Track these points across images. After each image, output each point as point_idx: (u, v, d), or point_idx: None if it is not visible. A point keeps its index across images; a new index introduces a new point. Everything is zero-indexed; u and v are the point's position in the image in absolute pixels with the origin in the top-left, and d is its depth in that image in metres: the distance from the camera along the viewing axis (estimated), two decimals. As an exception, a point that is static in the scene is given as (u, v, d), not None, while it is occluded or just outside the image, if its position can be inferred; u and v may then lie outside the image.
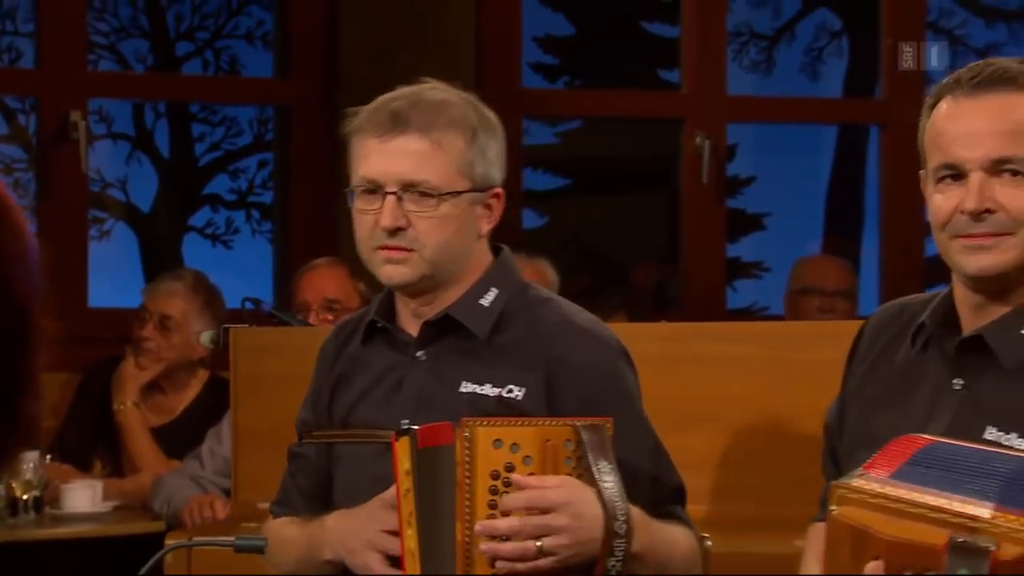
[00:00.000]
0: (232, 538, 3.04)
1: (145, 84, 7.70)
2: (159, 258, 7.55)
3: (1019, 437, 2.72)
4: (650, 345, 4.57)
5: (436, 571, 2.94)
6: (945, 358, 2.87)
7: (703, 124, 7.25)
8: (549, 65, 8.93)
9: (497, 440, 2.90)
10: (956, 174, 2.83)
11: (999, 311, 2.83)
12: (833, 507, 2.21)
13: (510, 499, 2.90)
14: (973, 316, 2.86)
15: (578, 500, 2.90)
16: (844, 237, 8.68)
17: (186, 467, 5.34)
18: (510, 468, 2.91)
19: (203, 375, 5.72)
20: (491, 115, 3.22)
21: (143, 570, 2.83)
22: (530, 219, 8.14)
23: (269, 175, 7.83)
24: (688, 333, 4.85)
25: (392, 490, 3.03)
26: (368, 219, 3.12)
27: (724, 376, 4.39)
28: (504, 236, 6.81)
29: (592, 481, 2.90)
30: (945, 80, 2.87)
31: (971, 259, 2.81)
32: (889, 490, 2.18)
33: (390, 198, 3.08)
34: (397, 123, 3.09)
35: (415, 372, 3.18)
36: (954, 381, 2.84)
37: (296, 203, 6.90)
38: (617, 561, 2.88)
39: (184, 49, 7.69)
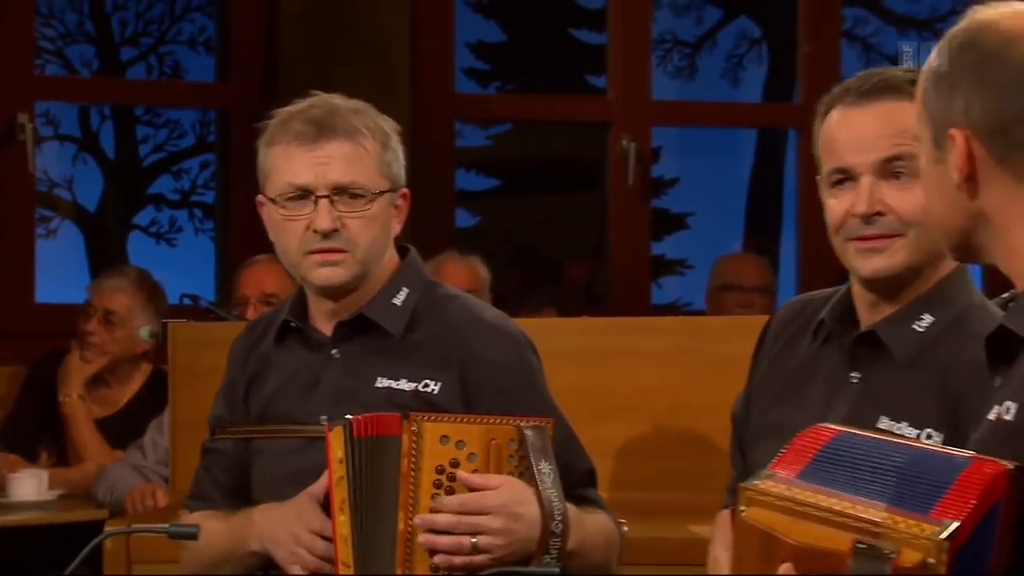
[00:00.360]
0: (167, 525, 3.07)
1: (91, 87, 7.69)
2: (105, 255, 7.52)
3: (910, 426, 2.78)
4: (575, 339, 4.62)
5: (372, 557, 2.97)
6: (843, 352, 2.91)
7: (629, 127, 7.28)
8: (481, 70, 8.91)
9: (444, 436, 2.94)
10: (848, 178, 2.87)
11: (892, 307, 2.88)
12: (742, 508, 2.19)
13: (447, 501, 2.93)
14: (869, 313, 2.91)
15: (516, 501, 2.94)
16: (763, 236, 8.68)
17: (129, 457, 5.33)
18: (455, 464, 2.94)
19: (146, 368, 5.71)
20: (391, 121, 3.25)
21: (80, 556, 2.84)
22: (463, 218, 8.14)
23: (211, 176, 7.80)
24: (611, 327, 4.90)
25: (320, 483, 3.06)
26: (298, 225, 3.13)
27: (644, 368, 4.42)
28: (437, 235, 6.89)
29: (532, 481, 2.95)
30: (835, 90, 2.92)
31: (865, 262, 2.86)
32: (796, 492, 2.17)
33: (323, 202, 3.11)
34: (323, 130, 3.12)
35: (331, 369, 3.20)
36: (851, 374, 2.89)
37: (237, 202, 6.88)
38: (552, 558, 2.93)
39: (128, 54, 7.65)
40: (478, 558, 2.93)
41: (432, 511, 2.94)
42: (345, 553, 2.99)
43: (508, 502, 2.93)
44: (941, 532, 2.05)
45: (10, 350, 6.11)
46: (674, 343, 4.47)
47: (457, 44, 7.46)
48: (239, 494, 3.28)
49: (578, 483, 3.15)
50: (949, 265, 2.89)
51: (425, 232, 6.88)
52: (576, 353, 4.48)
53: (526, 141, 8.85)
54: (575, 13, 8.76)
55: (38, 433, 5.71)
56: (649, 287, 7.61)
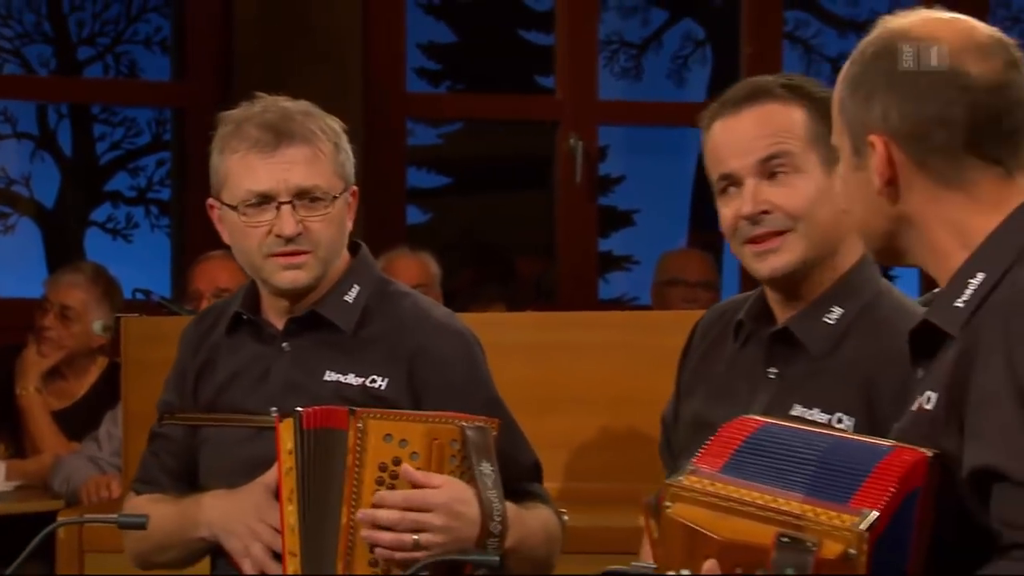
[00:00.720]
0: (116, 515, 3.05)
1: (48, 87, 7.69)
2: (62, 251, 7.49)
3: (821, 411, 2.80)
4: (523, 333, 4.63)
5: (317, 548, 2.96)
6: (761, 350, 2.93)
7: (576, 127, 7.29)
8: (432, 70, 8.92)
9: (388, 434, 2.93)
10: (732, 183, 2.90)
11: (802, 303, 2.90)
12: (667, 504, 2.19)
13: (390, 496, 2.92)
14: (782, 310, 2.93)
15: (457, 500, 2.93)
16: (707, 232, 8.68)
17: (85, 449, 5.33)
18: (397, 462, 2.93)
19: (102, 362, 5.71)
20: (338, 120, 3.24)
21: (30, 546, 2.82)
22: (414, 216, 8.14)
23: (167, 173, 7.79)
24: (558, 322, 4.91)
25: (273, 474, 3.04)
26: (259, 231, 3.11)
27: (589, 361, 4.42)
28: (389, 232, 6.88)
29: (472, 481, 2.94)
30: (713, 104, 2.96)
31: (762, 264, 2.87)
32: (719, 487, 2.17)
33: (286, 207, 3.09)
34: (280, 136, 3.10)
35: (281, 362, 3.19)
36: (769, 370, 2.91)
37: (192, 199, 6.83)
38: None
39: (85, 54, 7.64)
40: (417, 555, 2.91)
41: (375, 506, 2.92)
42: (292, 542, 2.99)
43: (450, 501, 2.92)
44: (861, 523, 2.06)
45: (-32, 343, 6.10)
46: (619, 337, 4.47)
47: (408, 45, 7.47)
48: (186, 479, 3.27)
49: (523, 477, 3.14)
50: (852, 258, 2.92)
51: (377, 229, 6.88)
52: (524, 347, 4.48)
53: (476, 140, 8.86)
54: (524, 15, 8.78)
55: (-5, 423, 5.70)
56: (596, 283, 7.63)
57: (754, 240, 2.87)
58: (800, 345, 2.87)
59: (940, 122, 2.28)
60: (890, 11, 2.44)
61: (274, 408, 3.09)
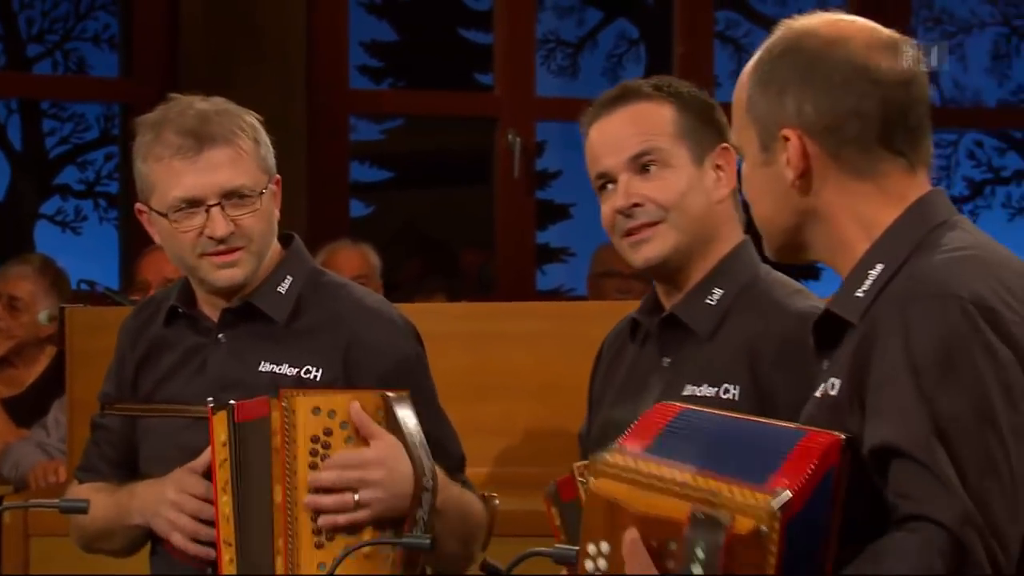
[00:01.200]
0: (58, 500, 3.05)
1: (-2, 82, 7.65)
2: (12, 244, 7.43)
3: (709, 386, 2.86)
4: (460, 323, 4.65)
5: (252, 532, 2.96)
6: (656, 343, 2.99)
7: (514, 123, 7.30)
8: (375, 68, 8.90)
9: (316, 408, 2.93)
10: (609, 181, 2.96)
11: (685, 289, 2.95)
12: (591, 479, 2.20)
13: (329, 460, 2.93)
14: (668, 299, 2.98)
15: (391, 457, 2.94)
16: (641, 225, 8.74)
17: (33, 435, 5.32)
18: (328, 432, 2.93)
19: (51, 351, 5.68)
20: (252, 113, 3.22)
21: (-26, 528, 2.84)
22: (357, 209, 8.13)
23: (115, 167, 7.77)
24: (494, 312, 4.95)
25: (200, 459, 3.05)
26: (191, 234, 3.07)
27: (524, 350, 4.43)
28: (332, 225, 6.87)
29: (402, 441, 2.95)
30: (588, 109, 3.02)
31: (637, 254, 2.94)
32: (641, 465, 2.18)
33: (215, 210, 3.06)
34: (202, 140, 3.06)
35: (217, 353, 3.18)
36: (663, 359, 2.96)
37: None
38: (425, 513, 2.93)
39: (35, 50, 7.60)
40: (360, 514, 2.92)
41: (320, 470, 2.93)
42: (227, 532, 2.98)
43: (385, 456, 2.93)
44: (773, 501, 2.06)
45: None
46: (554, 327, 4.49)
47: (351, 43, 7.47)
48: (126, 467, 3.26)
49: (451, 468, 3.14)
50: (730, 243, 2.98)
51: (321, 222, 6.88)
52: (461, 336, 4.50)
53: (417, 135, 8.86)
54: (463, 14, 8.78)
55: (-56, 413, 5.68)
56: (534, 274, 7.65)
57: (629, 232, 2.93)
58: (687, 328, 2.93)
59: (855, 114, 2.29)
60: (816, 10, 2.46)
61: (210, 399, 3.09)
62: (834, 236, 2.33)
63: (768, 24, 2.44)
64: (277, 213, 3.19)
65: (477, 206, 7.92)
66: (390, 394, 2.98)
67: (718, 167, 2.97)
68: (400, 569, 2.92)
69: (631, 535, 2.13)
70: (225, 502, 2.98)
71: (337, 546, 2.91)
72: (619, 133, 2.95)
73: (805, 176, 2.30)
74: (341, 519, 2.93)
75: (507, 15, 7.35)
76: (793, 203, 2.33)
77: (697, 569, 2.06)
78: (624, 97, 2.98)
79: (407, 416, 2.98)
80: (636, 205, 2.91)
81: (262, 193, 3.11)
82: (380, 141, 8.91)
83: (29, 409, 5.51)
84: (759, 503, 2.07)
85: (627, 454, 2.21)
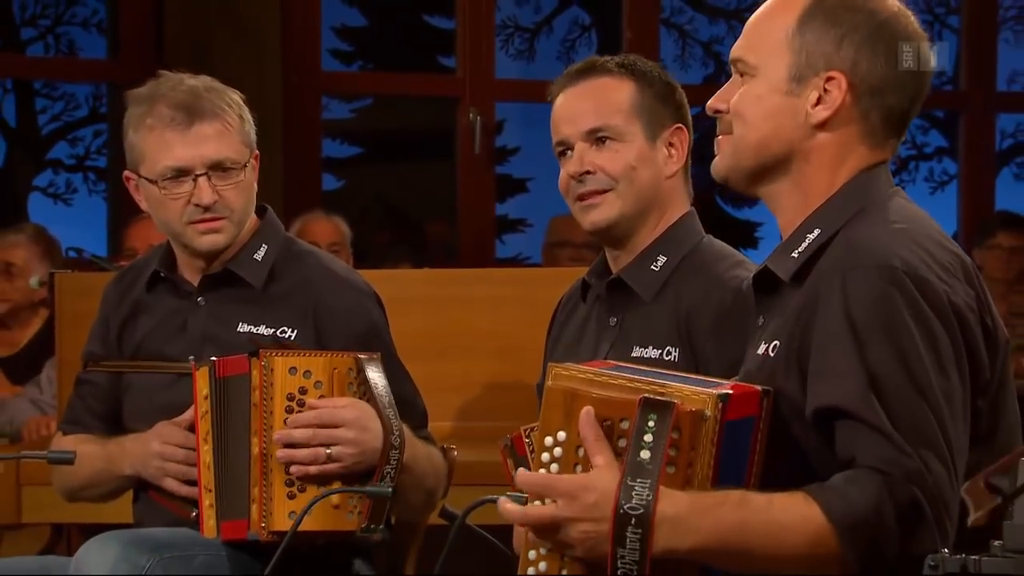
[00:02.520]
0: (45, 452, 3.05)
1: (-7, 64, 7.61)
2: (8, 214, 7.36)
3: (654, 348, 2.88)
4: (424, 288, 4.66)
5: (230, 480, 2.97)
6: (604, 304, 3.00)
7: (475, 102, 7.28)
8: (345, 51, 8.87)
9: (293, 368, 2.94)
10: (567, 148, 2.98)
11: (631, 255, 2.97)
12: (549, 382, 2.20)
13: (303, 416, 2.94)
14: (615, 264, 3.00)
15: (362, 416, 2.95)
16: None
17: (27, 392, 5.31)
18: (303, 391, 2.94)
19: (44, 314, 5.64)
20: (236, 91, 3.21)
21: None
22: (329, 182, 8.10)
23: (103, 143, 7.73)
24: (456, 278, 4.99)
25: (185, 414, 3.05)
26: (179, 202, 3.09)
27: (483, 313, 4.44)
28: (306, 197, 6.85)
29: (372, 401, 2.96)
30: (560, 77, 3.03)
31: (585, 217, 2.97)
32: (598, 369, 2.21)
33: (202, 179, 3.08)
34: (192, 113, 3.08)
35: (197, 315, 3.18)
36: (610, 319, 2.98)
37: (126, 167, 6.81)
38: (392, 468, 2.93)
39: (28, 34, 7.55)
40: (330, 466, 2.93)
41: (293, 425, 2.94)
42: (207, 478, 3.00)
43: (359, 416, 2.94)
44: (717, 392, 2.10)
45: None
46: (511, 292, 4.49)
47: (323, 28, 7.43)
48: (110, 421, 3.27)
49: (415, 424, 3.14)
50: (676, 213, 2.99)
51: (295, 195, 6.86)
52: (424, 300, 4.50)
53: (385, 114, 8.83)
54: (428, 1, 8.76)
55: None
56: (494, 243, 7.64)
57: (581, 197, 2.95)
58: (632, 292, 2.93)
59: (899, 88, 2.28)
60: (756, 1, 2.42)
61: (191, 357, 3.10)
62: (800, 181, 2.31)
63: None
64: (255, 186, 3.18)
65: (441, 180, 7.90)
66: (362, 356, 2.98)
67: (671, 144, 2.97)
68: (366, 520, 2.93)
69: (587, 411, 2.13)
70: (206, 451, 2.99)
71: (308, 496, 2.91)
72: (579, 106, 2.96)
73: (829, 119, 2.27)
74: (312, 470, 2.93)
75: (468, 2, 7.32)
76: (793, 137, 2.29)
77: (648, 438, 2.06)
78: (589, 71, 2.98)
79: (378, 377, 2.98)
80: (588, 173, 2.94)
81: (245, 166, 3.11)
82: (350, 119, 8.88)
83: (24, 368, 5.50)
84: (705, 393, 2.10)
85: (583, 365, 2.24)
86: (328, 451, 2.92)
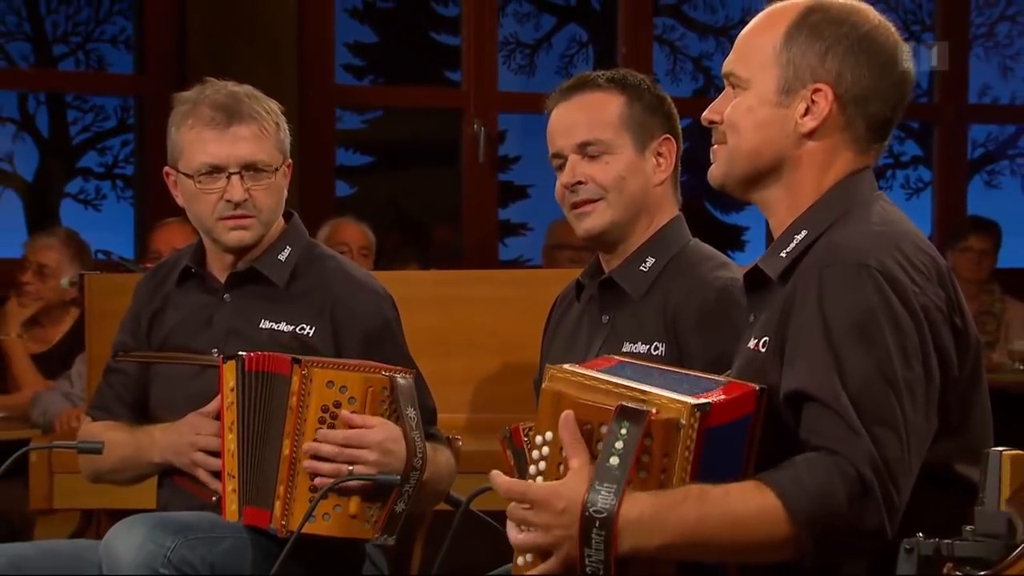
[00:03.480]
0: (75, 442, 3.05)
1: (28, 78, 7.59)
2: (41, 219, 7.40)
3: (642, 344, 2.87)
4: (431, 288, 4.66)
5: (255, 471, 2.94)
6: (596, 303, 2.99)
7: (480, 114, 7.28)
8: (357, 66, 8.87)
9: (330, 381, 2.91)
10: (561, 159, 2.97)
11: (621, 257, 2.96)
12: (545, 384, 2.21)
13: (332, 433, 2.91)
14: (607, 265, 2.99)
15: (389, 439, 2.92)
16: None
17: (59, 386, 5.30)
18: (338, 405, 2.91)
19: (74, 313, 5.66)
20: (276, 102, 3.22)
21: (3, 466, 2.82)
22: (342, 189, 8.10)
23: (130, 152, 7.72)
24: (461, 279, 4.98)
25: (211, 404, 3.04)
26: (212, 197, 3.10)
27: (486, 312, 4.44)
28: (321, 203, 6.85)
29: (400, 423, 2.93)
30: (554, 91, 3.01)
31: (579, 224, 2.97)
32: (588, 372, 2.21)
33: (235, 177, 3.08)
34: (232, 115, 3.08)
35: (223, 310, 3.18)
36: (603, 316, 2.97)
37: (152, 174, 6.75)
38: (411, 487, 2.92)
39: (60, 50, 7.54)
40: (352, 483, 2.90)
41: (322, 440, 2.91)
42: (231, 465, 2.98)
43: (384, 440, 2.92)
44: (694, 401, 2.09)
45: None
46: (513, 292, 4.50)
47: (337, 44, 7.43)
48: (138, 409, 3.25)
49: (426, 420, 3.13)
50: (665, 217, 2.98)
51: (310, 201, 6.86)
52: (432, 300, 4.51)
53: (395, 125, 8.84)
54: (435, 19, 8.77)
55: (-20, 366, 5.68)
56: (497, 246, 7.64)
57: (574, 205, 2.95)
58: (623, 291, 2.92)
59: (881, 96, 2.28)
60: (742, 19, 2.42)
61: (215, 349, 3.10)
62: (791, 186, 2.31)
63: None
64: (286, 191, 3.19)
65: (447, 187, 7.90)
66: (397, 376, 2.95)
67: (659, 154, 2.96)
68: (381, 531, 2.92)
69: (566, 415, 2.14)
70: (231, 439, 2.97)
71: (328, 504, 2.89)
72: (572, 119, 2.95)
73: (816, 129, 2.27)
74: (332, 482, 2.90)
75: (473, 20, 7.32)
76: (783, 146, 2.29)
77: (619, 445, 2.06)
78: (581, 87, 2.97)
79: (408, 397, 2.95)
80: (580, 183, 2.93)
81: (276, 170, 3.12)
82: (362, 130, 8.88)
83: (56, 363, 5.50)
84: (681, 403, 2.09)
85: (579, 367, 2.24)
86: (351, 469, 2.90)
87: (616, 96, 2.95)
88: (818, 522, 2.07)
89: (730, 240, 8.91)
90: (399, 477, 2.85)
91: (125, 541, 2.82)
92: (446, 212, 8.02)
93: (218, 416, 3.02)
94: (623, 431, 2.06)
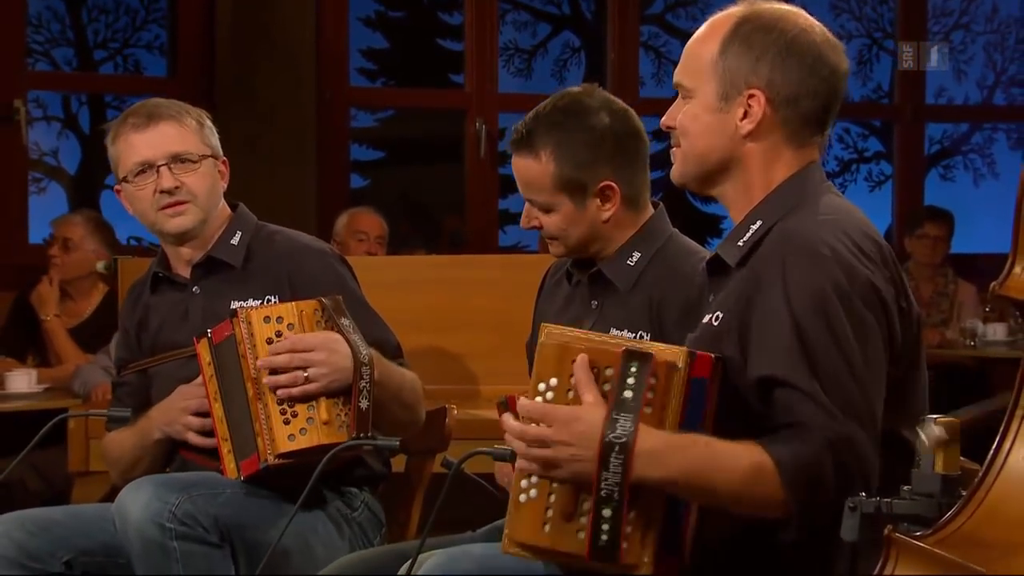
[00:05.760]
0: (104, 411, 3.05)
1: (71, 80, 7.58)
2: (83, 208, 7.41)
3: (628, 332, 2.83)
4: (435, 271, 4.66)
5: (239, 425, 2.95)
6: (586, 288, 2.95)
7: (481, 114, 7.28)
8: (370, 70, 8.87)
9: (266, 317, 2.93)
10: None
11: (607, 253, 2.92)
12: (543, 338, 2.18)
13: (278, 345, 2.91)
14: (597, 257, 2.94)
15: (330, 340, 2.91)
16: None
17: (98, 359, 5.27)
18: (279, 335, 2.92)
19: (102, 288, 5.58)
20: (203, 111, 3.20)
21: (41, 432, 2.83)
22: (356, 181, 8.10)
23: (164, 148, 7.72)
24: (462, 263, 5.02)
25: (198, 379, 3.04)
26: (146, 192, 3.10)
27: (484, 293, 4.45)
28: (337, 195, 6.85)
29: (338, 331, 2.93)
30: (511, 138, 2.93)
31: (550, 250, 2.94)
32: (583, 331, 2.21)
33: (163, 168, 3.07)
34: (152, 117, 3.09)
35: (195, 302, 3.17)
36: (592, 301, 2.93)
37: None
38: (367, 384, 2.89)
39: (100, 55, 7.53)
40: (310, 386, 2.89)
41: (273, 354, 2.91)
42: (223, 430, 2.99)
43: (326, 340, 2.91)
44: (687, 349, 2.13)
45: (9, 279, 6.06)
46: (507, 275, 4.50)
47: (351, 50, 7.41)
48: (145, 411, 3.21)
49: (390, 355, 3.12)
50: (647, 215, 2.93)
51: (327, 192, 6.86)
52: (435, 281, 4.51)
53: (404, 123, 8.83)
54: (441, 27, 8.76)
55: (26, 341, 5.64)
56: (497, 233, 7.63)
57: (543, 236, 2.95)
58: (611, 283, 2.90)
59: (812, 94, 2.26)
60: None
61: (195, 337, 3.09)
62: (742, 182, 2.30)
63: (683, 36, 2.38)
64: (224, 184, 3.19)
65: (452, 179, 7.89)
66: (324, 299, 2.97)
67: (603, 195, 2.85)
68: (354, 431, 2.88)
69: (582, 356, 2.13)
70: (217, 407, 2.98)
71: (301, 418, 2.89)
72: (518, 178, 2.89)
73: (755, 130, 2.26)
74: (295, 391, 2.89)
75: (475, 28, 7.32)
76: (728, 147, 2.28)
77: (631, 380, 2.07)
78: (518, 146, 2.87)
79: (340, 312, 2.96)
80: (536, 228, 2.90)
81: (202, 159, 3.11)
82: (375, 128, 8.88)
83: (88, 336, 5.46)
84: (677, 348, 2.13)
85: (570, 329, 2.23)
86: (305, 373, 2.89)
87: (544, 164, 2.82)
88: (804, 488, 2.07)
89: (709, 228, 8.91)
90: (398, 443, 2.83)
91: (134, 499, 2.83)
92: (451, 203, 8.02)
93: (203, 384, 3.02)
94: (632, 369, 2.08)
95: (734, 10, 2.30)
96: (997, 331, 6.43)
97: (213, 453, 3.02)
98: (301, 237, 3.24)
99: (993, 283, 1.90)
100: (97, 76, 7.61)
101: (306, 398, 2.89)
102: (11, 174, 6.58)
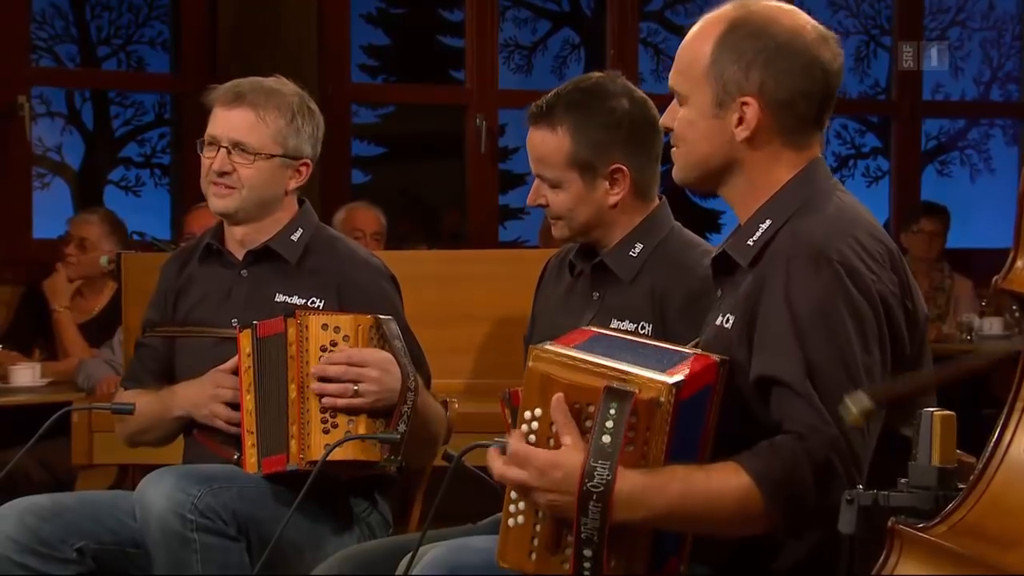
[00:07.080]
0: (108, 404, 3.06)
1: (75, 76, 7.58)
2: (86, 204, 7.38)
3: (630, 323, 2.83)
4: (436, 266, 4.67)
5: (269, 423, 2.97)
6: (588, 280, 2.95)
7: (481, 109, 7.27)
8: (371, 66, 8.86)
9: (324, 324, 2.95)
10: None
11: (609, 244, 2.91)
12: (529, 363, 2.18)
13: (335, 355, 2.93)
14: (598, 247, 2.93)
15: (385, 361, 2.94)
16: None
17: (102, 353, 5.30)
18: (334, 344, 2.94)
19: (113, 286, 5.62)
20: (313, 106, 3.21)
21: (45, 425, 2.82)
22: (357, 177, 8.09)
23: (167, 144, 7.72)
24: (462, 257, 5.07)
25: (229, 362, 3.05)
26: (206, 164, 3.15)
27: (484, 286, 4.45)
28: (338, 190, 6.85)
29: (391, 352, 2.96)
30: (530, 108, 2.91)
31: (552, 232, 2.93)
32: (572, 352, 2.18)
33: (222, 150, 3.11)
34: (238, 99, 3.12)
35: (241, 285, 3.19)
36: (593, 293, 2.92)
37: (185, 164, 6.83)
38: (408, 409, 2.93)
39: (104, 51, 7.51)
40: (356, 401, 2.92)
41: (328, 363, 2.93)
42: (250, 423, 3.00)
43: (382, 360, 2.93)
44: (671, 380, 2.08)
45: (13, 273, 6.08)
46: (508, 269, 4.49)
47: (353, 46, 7.40)
48: (164, 378, 3.26)
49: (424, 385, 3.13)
50: (649, 207, 2.91)
51: (329, 188, 6.86)
52: (436, 276, 4.51)
53: (405, 119, 8.83)
54: (441, 24, 8.74)
55: (34, 333, 5.65)
56: (497, 228, 7.63)
57: (547, 217, 2.93)
58: (613, 273, 2.89)
59: (806, 96, 2.24)
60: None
61: (234, 320, 3.10)
62: (746, 184, 2.28)
63: (681, 33, 2.35)
64: (290, 184, 3.19)
65: (452, 175, 7.89)
66: (381, 316, 2.99)
67: (612, 180, 2.85)
68: (389, 451, 2.92)
69: (558, 397, 2.12)
70: (248, 399, 2.99)
71: (340, 430, 2.91)
72: (532, 151, 2.88)
73: (752, 136, 2.24)
74: (341, 403, 2.91)
75: (476, 24, 7.31)
76: (727, 152, 2.26)
77: (609, 424, 2.06)
78: (536, 119, 2.86)
79: (394, 333, 2.98)
80: (541, 205, 2.90)
81: (268, 157, 3.11)
82: (376, 124, 8.88)
83: (97, 332, 5.49)
84: (660, 383, 2.08)
85: (559, 345, 2.21)
86: (355, 387, 2.91)
87: (561, 137, 2.82)
88: (785, 498, 2.07)
89: (708, 223, 8.90)
90: (399, 436, 2.84)
91: (156, 490, 2.84)
92: (452, 198, 8.02)
93: (236, 372, 3.03)
94: (611, 411, 2.06)
95: (726, 10, 2.26)
96: (993, 325, 6.43)
97: (229, 440, 3.03)
98: (359, 249, 3.28)
99: (995, 277, 1.89)
100: (100, 72, 7.60)
101: (350, 412, 2.92)
102: (15, 170, 6.58)
